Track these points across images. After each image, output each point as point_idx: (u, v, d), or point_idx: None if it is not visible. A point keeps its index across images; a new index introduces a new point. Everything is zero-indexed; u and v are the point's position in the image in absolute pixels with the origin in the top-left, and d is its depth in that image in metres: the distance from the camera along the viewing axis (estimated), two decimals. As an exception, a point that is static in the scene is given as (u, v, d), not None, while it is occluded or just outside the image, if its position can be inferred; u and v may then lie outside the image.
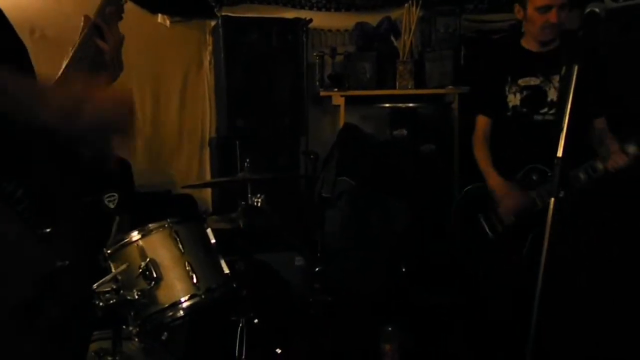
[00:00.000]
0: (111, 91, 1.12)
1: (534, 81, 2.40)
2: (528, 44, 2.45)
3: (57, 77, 1.12)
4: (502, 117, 2.45)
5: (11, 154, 1.02)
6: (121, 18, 1.26)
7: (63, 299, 1.06)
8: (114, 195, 2.69)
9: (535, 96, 2.39)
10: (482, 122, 2.53)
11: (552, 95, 2.37)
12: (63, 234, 1.08)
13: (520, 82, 2.41)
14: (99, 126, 1.02)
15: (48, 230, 1.04)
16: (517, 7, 2.41)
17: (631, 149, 2.16)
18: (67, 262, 1.06)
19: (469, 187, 2.59)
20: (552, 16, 2.27)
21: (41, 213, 1.04)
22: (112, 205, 2.67)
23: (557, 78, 2.36)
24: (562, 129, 1.81)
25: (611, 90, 2.46)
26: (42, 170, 1.07)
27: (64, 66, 1.13)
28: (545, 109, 2.39)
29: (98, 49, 1.18)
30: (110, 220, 2.66)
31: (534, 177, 2.35)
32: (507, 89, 2.43)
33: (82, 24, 1.20)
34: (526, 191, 2.35)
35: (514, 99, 2.42)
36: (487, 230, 2.47)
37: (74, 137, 1.02)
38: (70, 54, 1.15)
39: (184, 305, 2.02)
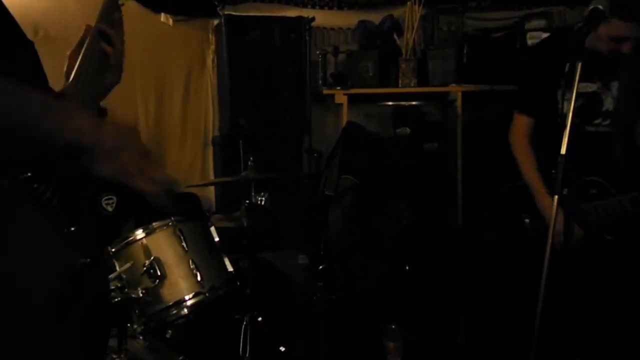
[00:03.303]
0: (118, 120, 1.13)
1: (590, 87, 2.17)
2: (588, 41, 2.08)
3: (67, 84, 1.15)
4: (552, 125, 2.15)
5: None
6: (121, 18, 1.29)
7: (87, 295, 1.08)
8: (112, 199, 2.72)
9: (589, 105, 2.18)
10: (524, 122, 2.34)
11: (608, 104, 2.18)
12: (84, 233, 1.11)
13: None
14: (123, 145, 1.01)
15: (73, 229, 1.07)
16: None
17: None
18: (89, 260, 1.08)
19: (506, 186, 2.45)
20: (626, 48, 2.03)
21: (67, 212, 1.06)
22: (110, 209, 2.70)
23: (616, 85, 2.16)
24: (565, 128, 1.81)
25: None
26: (67, 171, 1.08)
27: (73, 73, 1.16)
28: (600, 120, 2.20)
29: (104, 52, 1.20)
30: (111, 222, 2.69)
31: (594, 191, 2.13)
32: (559, 93, 2.15)
33: (83, 32, 1.22)
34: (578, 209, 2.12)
35: (567, 107, 2.12)
36: (530, 232, 2.36)
37: (101, 156, 1.00)
38: (78, 60, 1.18)
39: (188, 303, 2.03)
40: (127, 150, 1.00)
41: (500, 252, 2.49)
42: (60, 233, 1.05)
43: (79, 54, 1.20)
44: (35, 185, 1.00)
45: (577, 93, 2.06)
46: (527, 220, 2.36)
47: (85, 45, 1.20)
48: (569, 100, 2.13)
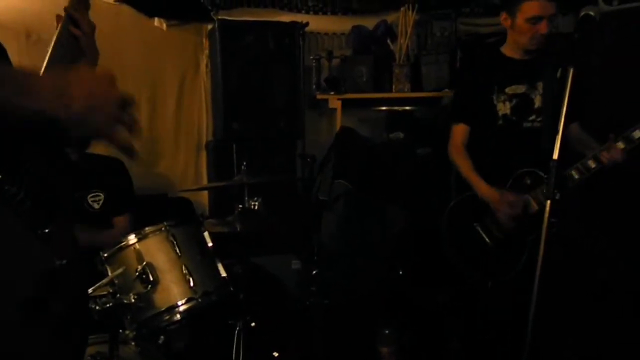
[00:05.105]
0: (91, 71, 1.13)
1: (520, 89, 2.40)
2: (512, 52, 2.44)
3: (41, 71, 1.13)
4: (492, 126, 2.44)
5: (14, 156, 1.02)
6: (89, 7, 1.32)
7: (63, 297, 1.06)
8: (99, 195, 2.65)
9: (523, 104, 2.40)
10: (461, 130, 2.52)
11: (538, 102, 2.39)
12: (60, 234, 1.09)
13: (508, 90, 2.41)
14: (92, 106, 0.99)
15: (47, 230, 1.05)
16: (504, 14, 2.39)
17: (625, 142, 2.19)
18: (64, 261, 1.06)
19: (456, 199, 2.58)
20: (543, 27, 2.27)
21: (41, 214, 1.05)
22: (96, 206, 2.64)
23: (541, 85, 2.38)
24: (557, 132, 1.82)
25: (594, 95, 2.53)
26: (40, 171, 1.07)
27: (46, 60, 1.16)
28: (533, 116, 2.40)
29: (74, 36, 1.23)
30: (96, 220, 2.59)
31: (528, 181, 2.35)
32: (494, 97, 2.43)
33: (55, 22, 1.24)
34: (520, 194, 2.35)
35: (503, 108, 2.42)
36: (486, 238, 2.46)
37: (70, 122, 0.98)
38: (50, 47, 1.19)
39: (181, 308, 2.02)
40: (98, 112, 0.98)
41: (463, 266, 2.54)
42: (35, 235, 1.04)
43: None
44: (7, 187, 0.98)
45: (510, 95, 2.40)
46: (479, 228, 2.47)
47: (56, 34, 1.21)
48: (503, 101, 2.40)
